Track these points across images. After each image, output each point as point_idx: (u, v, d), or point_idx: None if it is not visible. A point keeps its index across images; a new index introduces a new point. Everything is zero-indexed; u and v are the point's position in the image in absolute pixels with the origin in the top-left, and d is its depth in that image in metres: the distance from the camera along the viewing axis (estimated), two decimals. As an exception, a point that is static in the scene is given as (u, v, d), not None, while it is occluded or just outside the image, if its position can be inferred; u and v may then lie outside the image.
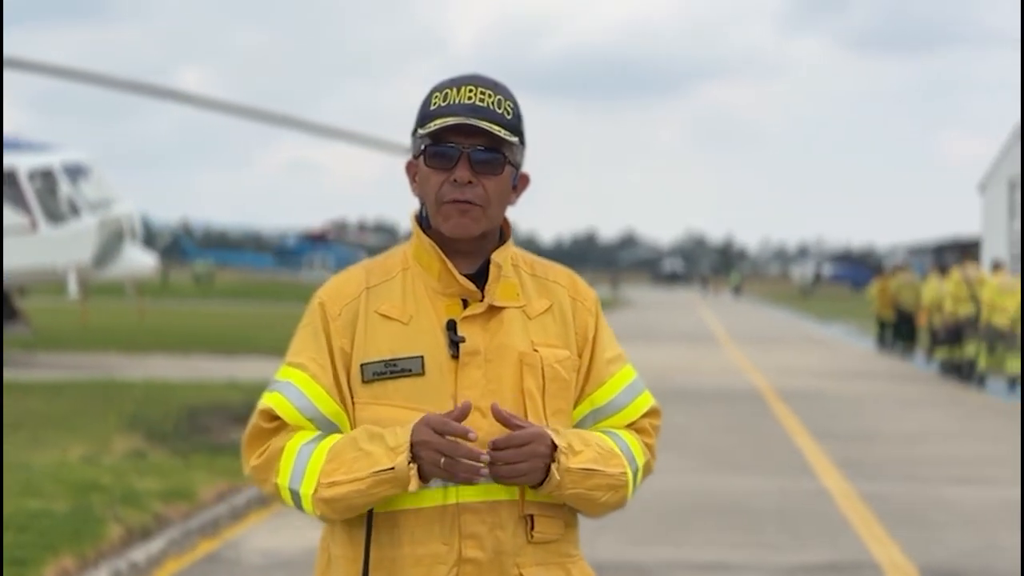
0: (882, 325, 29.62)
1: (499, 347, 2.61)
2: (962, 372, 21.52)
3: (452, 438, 2.47)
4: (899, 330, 28.40)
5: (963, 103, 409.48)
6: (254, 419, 2.63)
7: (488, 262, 2.66)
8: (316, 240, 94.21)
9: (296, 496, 2.57)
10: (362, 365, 2.60)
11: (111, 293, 38.71)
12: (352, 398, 2.62)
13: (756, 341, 31.80)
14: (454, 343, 2.59)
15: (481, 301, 2.63)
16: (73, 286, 21.91)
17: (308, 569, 7.57)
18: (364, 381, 2.60)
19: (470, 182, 2.59)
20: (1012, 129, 57.39)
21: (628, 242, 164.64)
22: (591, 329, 2.72)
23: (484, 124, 2.58)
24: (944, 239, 75.40)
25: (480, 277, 2.65)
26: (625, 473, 2.63)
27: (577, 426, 2.70)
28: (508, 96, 2.65)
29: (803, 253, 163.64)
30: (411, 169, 2.71)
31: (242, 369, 19.42)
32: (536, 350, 2.63)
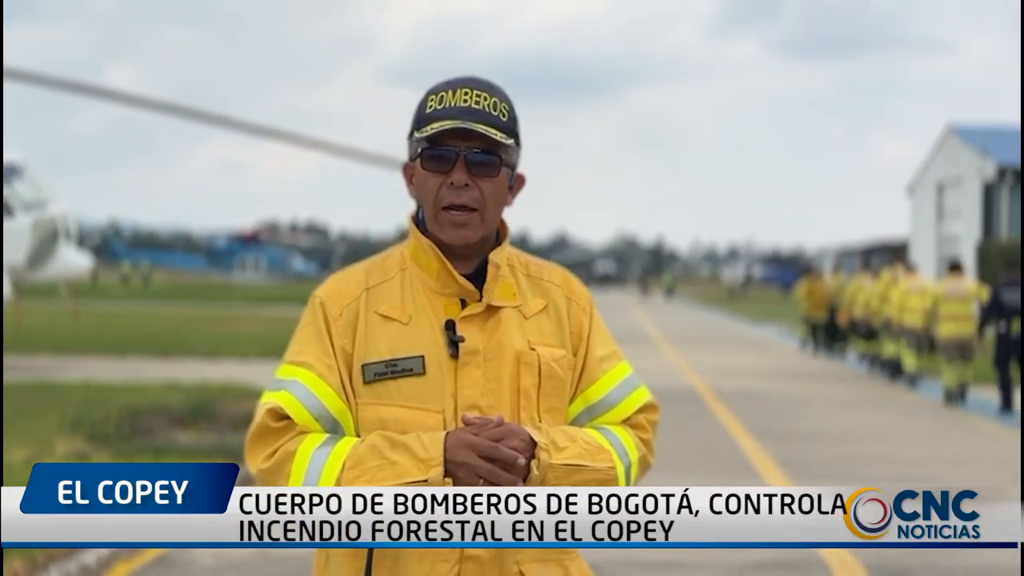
0: (813, 326, 30.10)
1: (497, 346, 2.65)
2: (890, 371, 22.06)
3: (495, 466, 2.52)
4: (831, 330, 28.98)
5: (891, 106, 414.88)
6: (260, 417, 2.62)
7: (485, 261, 2.69)
8: (248, 241, 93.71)
9: None
10: (363, 366, 2.63)
11: (41, 295, 38.24)
12: (355, 398, 2.64)
13: (692, 342, 32.04)
14: (453, 342, 2.62)
15: (479, 301, 2.67)
16: (7, 287, 21.65)
17: (258, 571, 7.57)
18: (366, 382, 2.62)
19: (467, 184, 2.62)
20: (940, 131, 58.23)
21: (560, 244, 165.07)
22: (585, 328, 2.76)
23: (480, 127, 2.61)
24: (873, 241, 76.26)
25: (477, 277, 2.69)
26: (614, 468, 2.66)
27: (572, 423, 2.74)
28: (503, 98, 2.68)
29: (733, 255, 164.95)
30: (408, 172, 2.74)
31: (180, 371, 19.31)
32: (533, 349, 2.67)
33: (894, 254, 30.46)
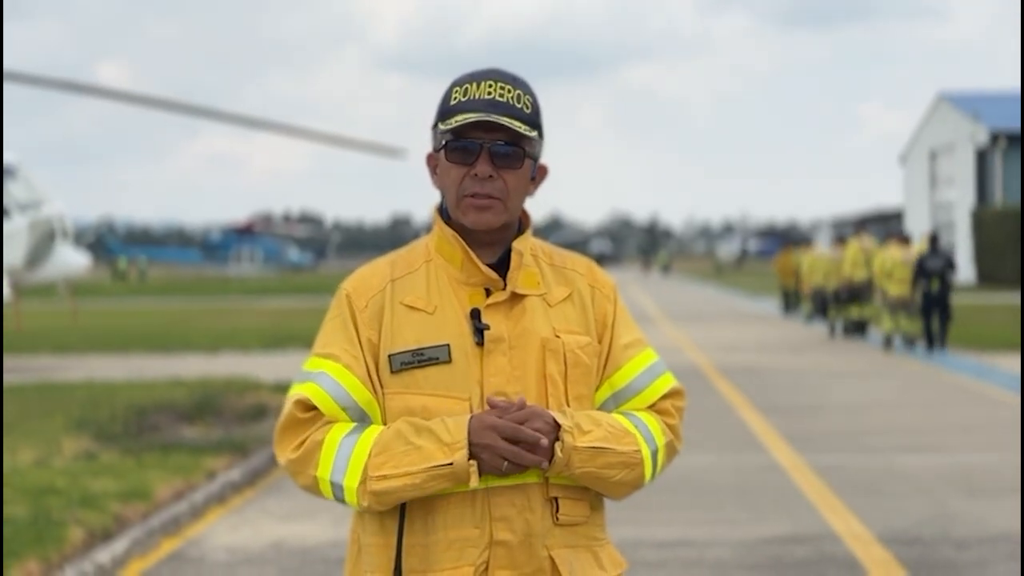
0: (786, 294, 33.42)
1: (522, 333, 2.68)
2: (860, 330, 24.93)
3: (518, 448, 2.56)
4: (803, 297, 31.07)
5: (880, 75, 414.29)
6: (288, 409, 2.67)
7: (509, 251, 2.72)
8: (242, 233, 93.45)
9: (338, 488, 2.62)
10: (390, 355, 2.66)
11: (39, 295, 38.20)
12: (381, 388, 2.67)
13: (690, 319, 32.04)
14: (479, 330, 2.65)
15: (503, 289, 2.69)
16: (6, 289, 21.60)
17: (272, 564, 7.58)
18: (393, 371, 2.65)
19: (490, 176, 2.65)
20: (931, 99, 58.12)
21: (554, 225, 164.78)
22: (610, 316, 2.79)
23: (504, 119, 2.64)
24: (866, 211, 76.20)
25: (501, 266, 2.72)
26: (639, 451, 2.69)
27: (599, 410, 2.75)
28: (527, 91, 2.71)
29: (728, 230, 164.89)
30: (431, 162, 2.77)
31: (182, 366, 19.29)
32: (558, 336, 2.69)
33: (859, 226, 32.99)
